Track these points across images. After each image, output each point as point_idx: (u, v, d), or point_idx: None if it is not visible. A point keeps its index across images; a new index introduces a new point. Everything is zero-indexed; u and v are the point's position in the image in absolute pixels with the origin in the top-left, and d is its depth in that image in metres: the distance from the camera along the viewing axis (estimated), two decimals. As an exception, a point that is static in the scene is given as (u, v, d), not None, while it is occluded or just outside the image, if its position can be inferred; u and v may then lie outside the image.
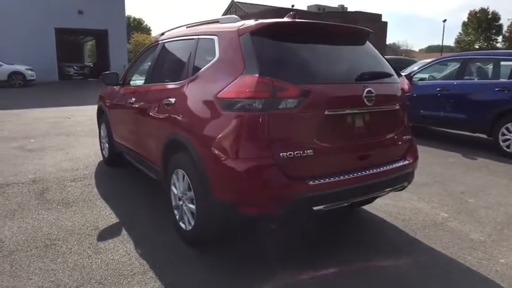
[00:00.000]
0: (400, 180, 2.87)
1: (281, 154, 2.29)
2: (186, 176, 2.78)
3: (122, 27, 27.44)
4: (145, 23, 72.57)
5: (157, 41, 3.92)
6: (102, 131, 5.31)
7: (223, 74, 2.53)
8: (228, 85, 2.41)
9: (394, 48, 61.61)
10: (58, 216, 3.45)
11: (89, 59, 41.12)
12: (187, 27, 3.59)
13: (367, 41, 3.05)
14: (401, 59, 13.76)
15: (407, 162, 2.92)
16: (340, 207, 2.54)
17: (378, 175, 2.66)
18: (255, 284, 2.44)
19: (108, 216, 3.46)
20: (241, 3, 59.08)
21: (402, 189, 3.02)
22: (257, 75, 2.29)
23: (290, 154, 2.31)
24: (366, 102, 2.55)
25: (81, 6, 24.37)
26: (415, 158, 3.05)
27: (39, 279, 2.44)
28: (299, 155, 2.33)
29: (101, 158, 5.45)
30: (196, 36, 3.10)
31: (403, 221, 3.48)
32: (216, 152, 2.40)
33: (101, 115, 5.30)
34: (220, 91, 2.45)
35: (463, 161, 5.79)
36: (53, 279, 2.45)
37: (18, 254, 2.75)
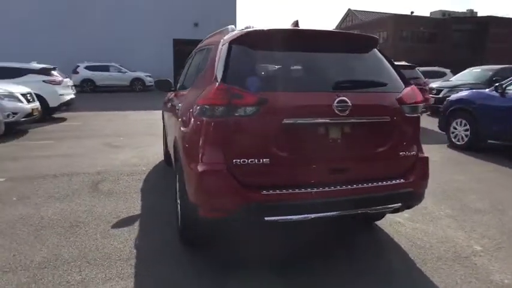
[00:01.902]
0: (391, 200, 2.60)
1: (234, 160, 2.32)
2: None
3: (232, 38, 29.32)
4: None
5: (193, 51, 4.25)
6: (163, 133, 5.88)
7: (204, 82, 2.67)
8: (202, 92, 2.54)
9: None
10: (96, 203, 3.97)
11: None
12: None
13: (374, 49, 2.84)
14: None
15: (402, 181, 2.62)
16: (304, 221, 2.42)
17: (353, 191, 2.46)
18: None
19: (133, 208, 3.86)
20: (358, 11, 57.61)
21: (397, 211, 2.73)
22: (218, 83, 2.37)
23: (244, 161, 2.31)
24: (338, 112, 2.38)
25: (196, 19, 26.79)
26: (419, 177, 2.71)
27: (47, 251, 2.90)
28: (253, 162, 2.31)
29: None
30: (206, 46, 3.30)
31: (420, 248, 3.11)
32: (185, 154, 2.55)
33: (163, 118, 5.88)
34: (197, 98, 2.59)
35: (551, 190, 4.81)
36: (56, 253, 2.88)
37: (46, 230, 3.29)
